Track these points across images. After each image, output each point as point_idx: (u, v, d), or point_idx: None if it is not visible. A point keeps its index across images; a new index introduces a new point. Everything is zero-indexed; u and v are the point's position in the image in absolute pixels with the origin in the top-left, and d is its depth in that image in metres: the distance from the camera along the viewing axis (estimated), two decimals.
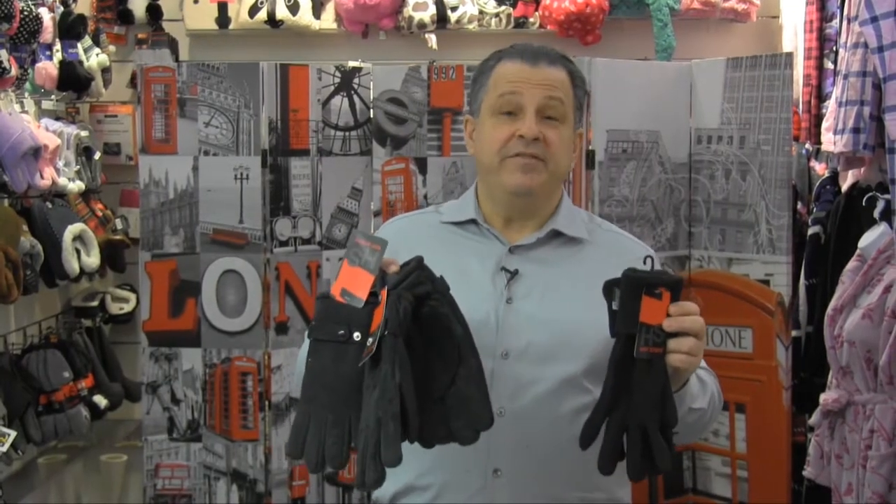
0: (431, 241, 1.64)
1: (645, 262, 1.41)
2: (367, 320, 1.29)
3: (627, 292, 1.35)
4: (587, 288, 1.55)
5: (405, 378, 1.24)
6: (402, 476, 1.57)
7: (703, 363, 1.58)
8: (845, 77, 2.66)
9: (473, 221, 1.66)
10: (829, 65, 3.19)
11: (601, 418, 1.38)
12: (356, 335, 1.29)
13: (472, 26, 4.25)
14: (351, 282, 1.31)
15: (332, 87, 3.08)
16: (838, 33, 2.95)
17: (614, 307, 1.37)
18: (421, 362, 1.29)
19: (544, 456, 1.54)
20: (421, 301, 1.30)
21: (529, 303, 1.57)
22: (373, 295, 1.30)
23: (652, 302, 1.35)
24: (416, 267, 1.32)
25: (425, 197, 3.05)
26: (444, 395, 1.30)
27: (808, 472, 2.59)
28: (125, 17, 4.45)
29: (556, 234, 1.65)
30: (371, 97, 3.10)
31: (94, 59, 4.07)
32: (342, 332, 1.30)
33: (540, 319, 1.56)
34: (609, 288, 1.38)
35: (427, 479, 1.56)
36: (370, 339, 1.27)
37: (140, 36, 4.41)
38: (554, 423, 1.53)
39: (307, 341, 1.36)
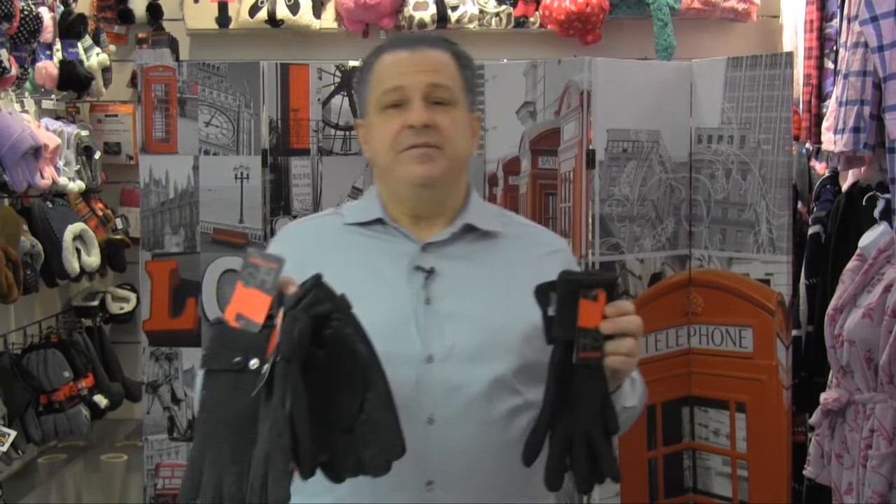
0: (337, 245, 1.56)
1: (563, 252, 1.35)
2: (264, 346, 1.18)
3: (564, 297, 1.30)
4: (508, 283, 1.50)
5: (298, 407, 1.13)
6: (328, 494, 1.38)
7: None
8: (845, 76, 2.66)
9: (380, 221, 1.56)
10: (829, 64, 3.19)
11: (545, 431, 1.32)
12: (253, 363, 1.18)
13: (473, 26, 4.25)
14: (246, 305, 1.20)
15: (333, 87, 3.08)
16: (838, 33, 2.95)
17: (550, 313, 1.31)
18: (326, 389, 1.19)
19: (479, 463, 1.45)
20: (322, 322, 1.19)
21: (449, 302, 1.48)
22: (270, 318, 1.20)
23: (589, 304, 1.29)
24: (315, 285, 1.20)
25: None
26: (352, 425, 1.19)
27: (808, 471, 2.59)
28: (125, 16, 4.45)
29: (470, 229, 1.55)
30: None
31: (94, 58, 4.07)
32: (238, 359, 1.18)
33: (463, 319, 1.47)
34: (544, 292, 1.32)
35: (357, 496, 1.41)
36: (265, 367, 1.16)
37: (140, 35, 4.41)
38: (487, 427, 1.44)
39: (201, 373, 1.25)
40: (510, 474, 1.46)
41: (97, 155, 4.18)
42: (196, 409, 1.28)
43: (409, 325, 1.46)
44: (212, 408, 1.21)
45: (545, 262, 1.50)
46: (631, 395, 1.48)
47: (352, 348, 1.21)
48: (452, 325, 1.47)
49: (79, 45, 3.95)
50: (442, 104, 1.50)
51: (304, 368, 1.15)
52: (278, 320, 1.18)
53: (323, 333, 1.19)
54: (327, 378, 1.20)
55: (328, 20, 4.33)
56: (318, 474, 1.20)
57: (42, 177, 3.53)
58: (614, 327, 1.31)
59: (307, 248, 1.54)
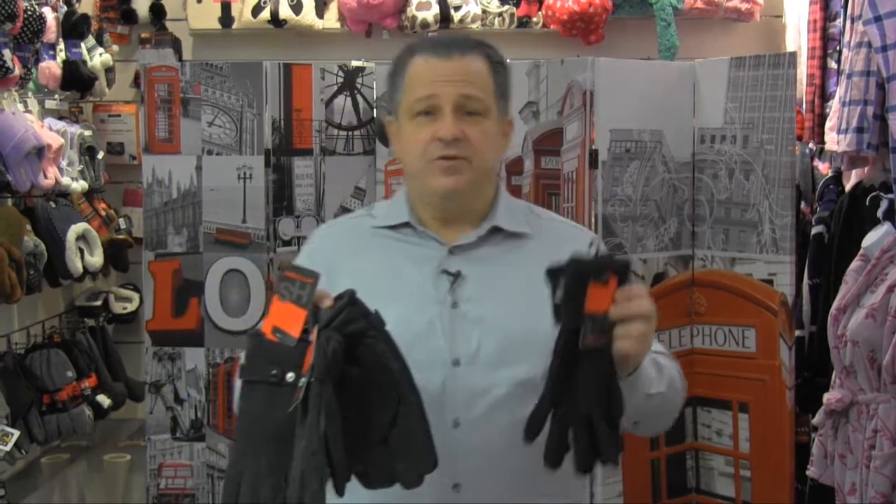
0: (365, 249, 1.56)
1: (591, 247, 1.34)
2: (300, 360, 1.20)
3: (573, 282, 1.28)
4: (535, 285, 1.46)
5: (332, 427, 1.15)
6: (355, 495, 1.43)
7: (662, 349, 1.53)
8: (849, 76, 2.66)
9: (408, 224, 1.57)
10: (832, 64, 3.19)
11: (546, 411, 1.31)
12: (289, 376, 1.20)
13: (476, 26, 4.25)
14: (282, 318, 1.23)
15: (336, 87, 3.08)
16: (842, 33, 2.95)
17: (558, 296, 1.30)
18: (359, 404, 1.21)
19: (506, 465, 1.46)
20: (356, 339, 1.21)
21: (476, 305, 1.49)
22: (306, 332, 1.22)
23: (598, 288, 1.27)
24: (349, 303, 1.22)
25: None
26: (385, 437, 1.22)
27: (811, 471, 2.59)
28: (128, 16, 4.45)
29: (497, 231, 1.56)
30: (374, 97, 3.10)
31: (97, 58, 4.08)
32: (274, 372, 1.21)
33: (489, 322, 1.48)
34: (553, 275, 1.30)
35: (385, 498, 1.40)
36: (302, 381, 1.18)
37: (143, 35, 4.41)
38: (513, 430, 1.41)
39: (239, 382, 1.27)
40: (536, 476, 1.46)
41: (100, 155, 4.18)
42: (236, 417, 1.32)
43: (435, 329, 1.47)
44: (249, 420, 1.24)
45: None
46: (658, 382, 1.46)
47: (385, 364, 1.23)
48: (478, 328, 1.48)
49: (82, 45, 3.96)
50: (473, 114, 1.50)
51: (338, 384, 1.18)
52: (313, 336, 1.20)
53: (357, 350, 1.22)
54: (361, 393, 1.22)
55: (331, 20, 4.33)
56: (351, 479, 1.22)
57: (45, 177, 3.54)
58: (623, 312, 1.28)
59: (336, 252, 1.55)
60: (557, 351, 1.32)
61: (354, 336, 1.21)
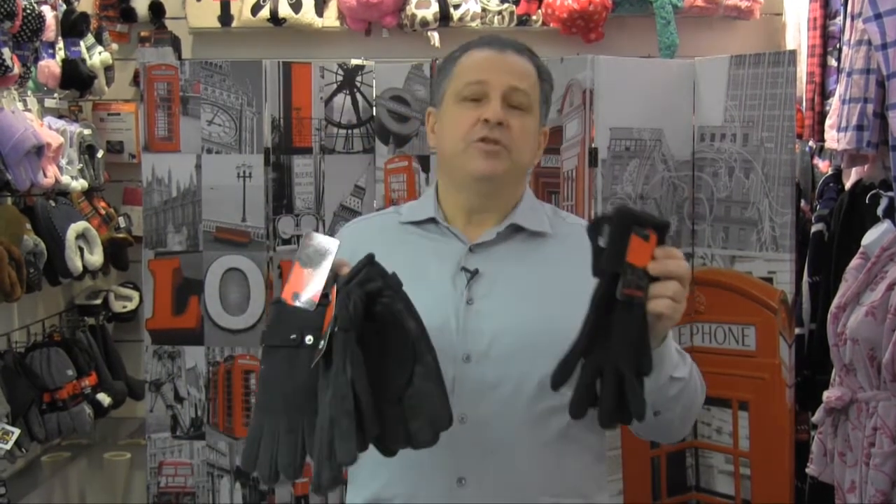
0: (389, 243, 1.58)
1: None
2: (319, 323, 1.25)
3: (617, 229, 1.29)
4: (551, 284, 1.52)
5: (358, 374, 1.20)
6: (367, 488, 1.53)
7: (680, 350, 1.54)
8: (849, 74, 2.66)
9: (433, 220, 1.61)
10: (832, 62, 3.18)
11: (576, 359, 1.31)
12: (308, 338, 1.25)
13: (475, 24, 4.25)
14: (302, 284, 1.28)
15: (335, 85, 3.08)
16: (842, 30, 2.94)
17: (601, 244, 1.31)
18: (376, 363, 1.24)
19: (511, 461, 1.48)
20: (373, 298, 1.26)
21: (490, 303, 1.52)
22: (325, 297, 1.27)
23: (639, 242, 1.29)
24: (367, 263, 1.27)
25: None
26: (401, 396, 1.25)
27: (811, 469, 2.59)
28: (128, 14, 4.45)
29: (517, 230, 1.59)
30: (374, 95, 3.10)
31: (96, 57, 4.07)
32: (294, 336, 1.26)
33: (501, 320, 1.50)
34: (597, 224, 1.32)
35: (392, 490, 1.50)
36: (322, 341, 1.23)
37: (143, 34, 4.41)
38: (519, 427, 1.48)
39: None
40: (542, 474, 1.49)
41: (100, 153, 4.17)
42: (258, 383, 1.37)
43: (448, 325, 1.49)
44: (269, 382, 1.27)
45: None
46: (680, 367, 1.48)
47: (402, 323, 1.26)
48: (491, 325, 1.50)
49: (81, 43, 3.95)
50: (518, 108, 1.55)
51: (357, 342, 1.22)
52: (333, 297, 1.25)
53: (374, 309, 1.25)
54: (378, 352, 1.25)
55: (330, 18, 4.32)
56: (365, 466, 1.25)
57: (45, 175, 3.53)
58: (662, 268, 1.29)
59: (360, 247, 1.56)
60: (594, 299, 1.32)
61: (373, 295, 1.25)
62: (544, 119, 1.63)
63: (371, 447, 1.24)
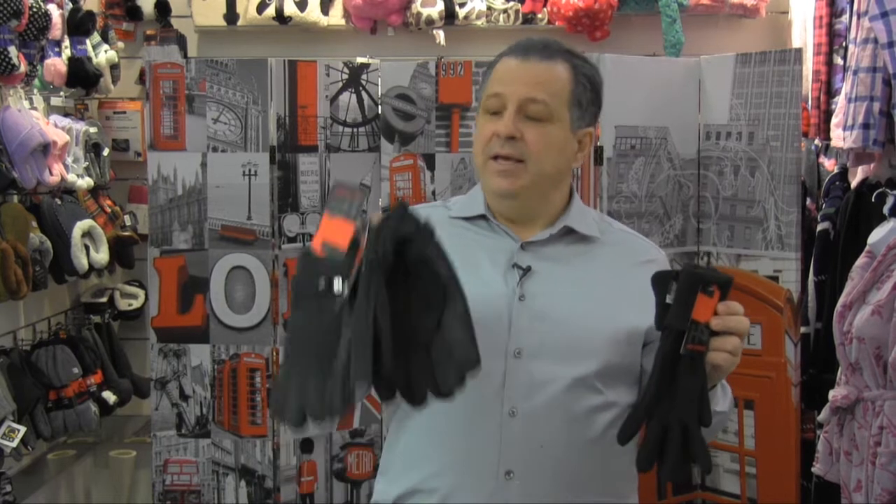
0: (442, 237, 1.62)
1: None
2: (347, 271, 1.24)
3: (685, 288, 1.34)
4: (600, 287, 1.54)
5: (381, 306, 1.19)
6: (405, 479, 1.54)
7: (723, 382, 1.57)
8: (855, 73, 2.66)
9: (483, 217, 1.62)
10: (838, 60, 3.18)
11: (644, 414, 1.36)
12: (336, 284, 1.24)
13: (481, 22, 4.25)
14: (332, 233, 1.27)
15: (341, 84, 3.08)
16: (848, 29, 2.94)
17: (668, 300, 1.35)
18: (405, 307, 1.24)
19: (558, 457, 1.50)
20: (406, 241, 1.25)
21: (542, 300, 1.53)
22: (355, 244, 1.26)
23: (704, 299, 1.34)
24: (401, 207, 1.27)
25: (433, 193, 3.05)
26: (429, 342, 1.24)
27: (816, 468, 2.59)
28: (134, 13, 4.46)
29: (569, 232, 1.60)
30: (379, 93, 3.10)
31: (102, 55, 4.08)
32: (322, 281, 1.25)
33: (553, 318, 1.52)
34: (664, 280, 1.36)
35: (433, 483, 1.51)
36: (346, 289, 1.23)
37: (149, 32, 4.42)
38: (567, 424, 1.50)
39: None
40: (587, 471, 1.52)
41: (105, 152, 4.19)
42: (287, 333, 1.36)
43: (501, 320, 1.51)
44: (298, 330, 1.27)
45: (639, 271, 1.52)
46: (722, 401, 1.53)
47: (432, 268, 1.26)
48: (543, 323, 1.52)
49: (87, 42, 3.96)
50: (535, 119, 1.53)
51: (386, 284, 1.21)
52: (362, 243, 1.24)
53: (405, 253, 1.25)
54: (407, 296, 1.24)
55: (336, 17, 4.33)
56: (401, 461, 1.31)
57: (51, 174, 3.55)
58: (724, 325, 1.35)
59: None
60: (660, 355, 1.36)
61: (404, 239, 1.24)
62: (583, 121, 1.58)
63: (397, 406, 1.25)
